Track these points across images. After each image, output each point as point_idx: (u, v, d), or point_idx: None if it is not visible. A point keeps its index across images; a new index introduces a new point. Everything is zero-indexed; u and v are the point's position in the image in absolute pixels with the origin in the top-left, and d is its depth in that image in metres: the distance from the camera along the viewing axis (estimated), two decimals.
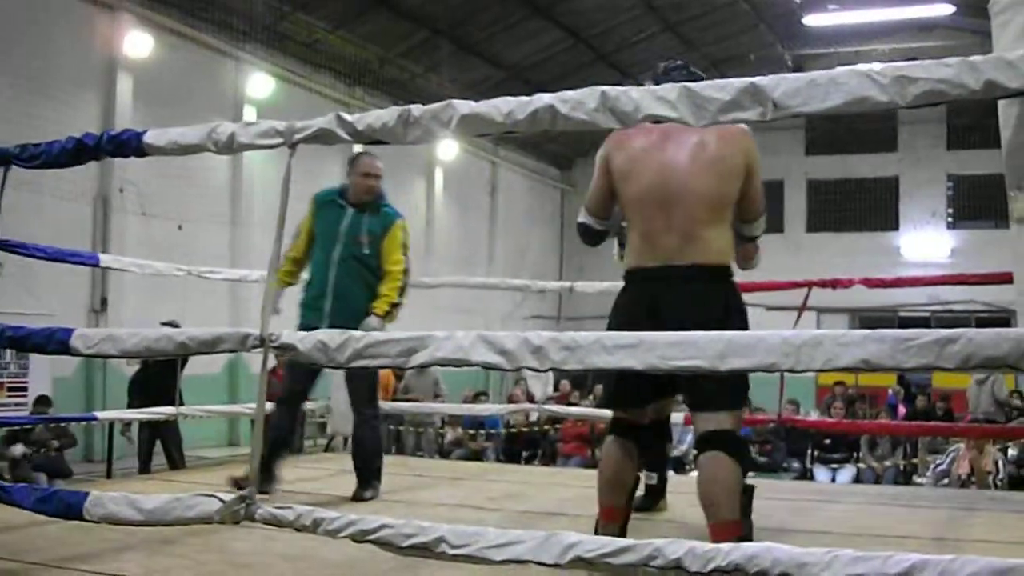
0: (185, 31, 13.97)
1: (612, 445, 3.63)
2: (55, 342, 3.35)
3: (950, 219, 22.33)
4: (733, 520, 3.26)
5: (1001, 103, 2.52)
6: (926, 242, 21.77)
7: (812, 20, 17.72)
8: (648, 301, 3.44)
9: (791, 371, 2.47)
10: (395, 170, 18.21)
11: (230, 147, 3.15)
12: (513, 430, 12.97)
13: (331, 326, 4.83)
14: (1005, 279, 4.75)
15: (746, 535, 3.50)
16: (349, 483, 5.56)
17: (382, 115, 2.90)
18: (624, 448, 3.60)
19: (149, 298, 12.62)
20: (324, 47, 16.04)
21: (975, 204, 20.99)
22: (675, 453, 12.59)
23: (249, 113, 14.66)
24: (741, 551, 2.38)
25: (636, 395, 3.56)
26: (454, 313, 15.59)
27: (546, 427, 12.86)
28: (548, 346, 2.63)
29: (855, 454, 12.19)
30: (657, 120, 2.64)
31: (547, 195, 23.97)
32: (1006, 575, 2.18)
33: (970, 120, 18.99)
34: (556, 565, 2.48)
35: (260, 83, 15.06)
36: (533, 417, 13.04)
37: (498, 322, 18.46)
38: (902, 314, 20.78)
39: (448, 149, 19.01)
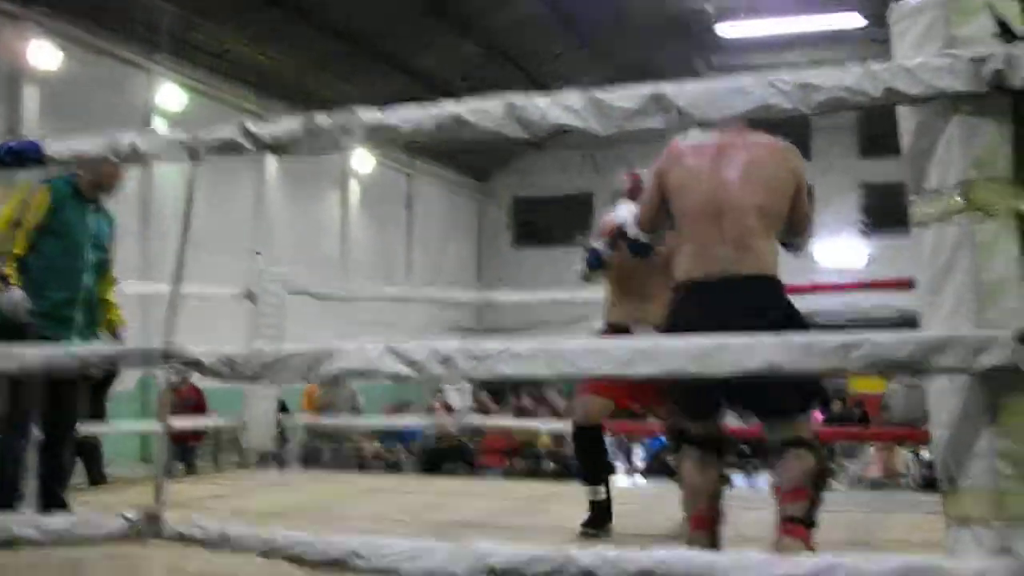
0: (93, 42, 13.70)
1: (689, 456, 3.69)
2: None
3: (865, 227, 22.68)
4: None
5: (902, 110, 2.56)
6: (842, 250, 22.09)
7: (725, 30, 17.92)
8: (706, 312, 3.50)
9: (699, 375, 2.48)
10: (309, 182, 18.17)
11: (132, 157, 3.09)
12: (433, 443, 12.89)
13: (83, 339, 4.62)
14: (910, 285, 4.85)
15: None
16: (268, 497, 5.49)
17: (287, 125, 2.87)
18: (702, 456, 3.67)
19: None
20: (236, 57, 15.81)
21: (889, 212, 21.29)
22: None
23: (159, 125, 14.44)
24: (652, 557, 2.39)
25: (707, 404, 3.64)
26: (373, 327, 15.47)
27: (465, 439, 12.81)
28: (456, 356, 2.61)
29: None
30: (562, 130, 2.65)
31: (464, 206, 23.93)
32: (916, 574, 2.22)
33: (883, 128, 19.24)
34: None
35: (171, 94, 14.82)
36: (454, 429, 13.02)
37: (417, 334, 18.38)
38: (819, 321, 20.99)
39: (363, 160, 18.88)
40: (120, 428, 8.34)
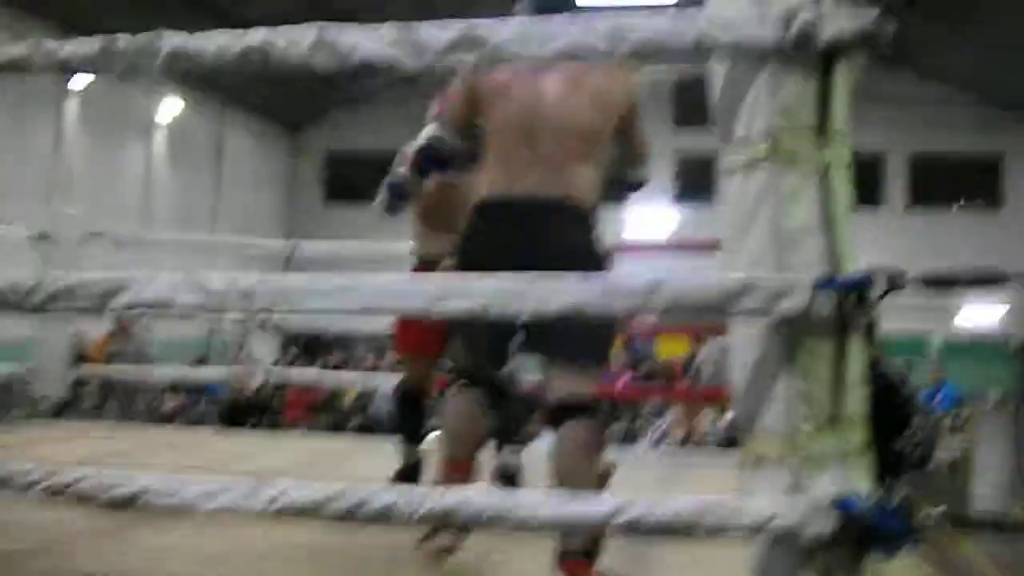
0: None
1: (458, 396, 3.35)
2: None
3: (676, 196, 23.26)
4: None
5: (713, 61, 2.59)
6: (653, 218, 22.56)
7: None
8: (505, 235, 3.19)
9: (501, 316, 2.46)
10: (113, 128, 17.46)
11: None
12: (236, 397, 12.66)
13: None
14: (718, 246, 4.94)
15: None
16: (62, 449, 5.26)
17: (85, 43, 2.71)
18: (471, 398, 3.33)
19: None
20: None
21: (701, 182, 21.82)
22: None
23: None
24: (455, 496, 2.37)
25: (489, 345, 3.31)
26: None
27: (270, 393, 12.63)
28: (258, 289, 2.52)
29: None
30: (373, 63, 2.58)
31: (276, 159, 23.47)
32: (709, 512, 2.27)
33: (697, 99, 19.64)
34: (265, 512, 2.39)
35: None
36: (257, 383, 12.79)
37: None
38: None
39: (171, 107, 18.30)
40: None
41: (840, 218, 2.43)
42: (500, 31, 2.53)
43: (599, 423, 3.17)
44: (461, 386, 3.36)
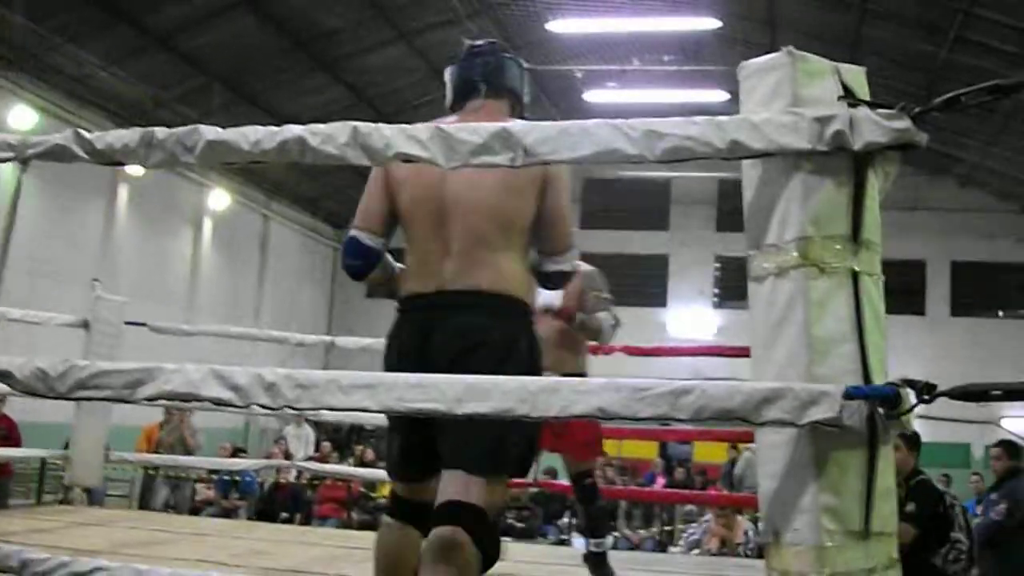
0: None
1: (387, 528, 3.08)
2: None
3: (716, 298, 23.16)
4: None
5: (744, 164, 2.58)
6: (693, 319, 22.47)
7: (591, 97, 18.31)
8: (418, 335, 2.96)
9: (527, 417, 2.43)
10: (161, 217, 17.71)
11: None
12: (269, 489, 12.60)
13: None
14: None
15: None
16: (87, 535, 5.24)
17: (123, 135, 2.75)
18: (401, 532, 3.02)
19: None
20: (95, 83, 15.42)
21: (741, 285, 21.60)
22: None
23: None
24: None
25: (412, 459, 3.01)
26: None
27: (303, 485, 12.56)
28: (281, 383, 2.51)
29: (612, 523, 12.39)
30: (408, 159, 2.60)
31: (319, 253, 23.65)
32: None
33: (740, 203, 19.66)
34: None
35: (22, 114, 14.33)
36: (291, 477, 12.74)
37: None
38: None
39: (219, 199, 18.57)
40: None
41: (871, 327, 2.39)
42: (531, 133, 2.54)
43: (478, 535, 2.73)
44: (391, 513, 3.10)
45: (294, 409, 2.50)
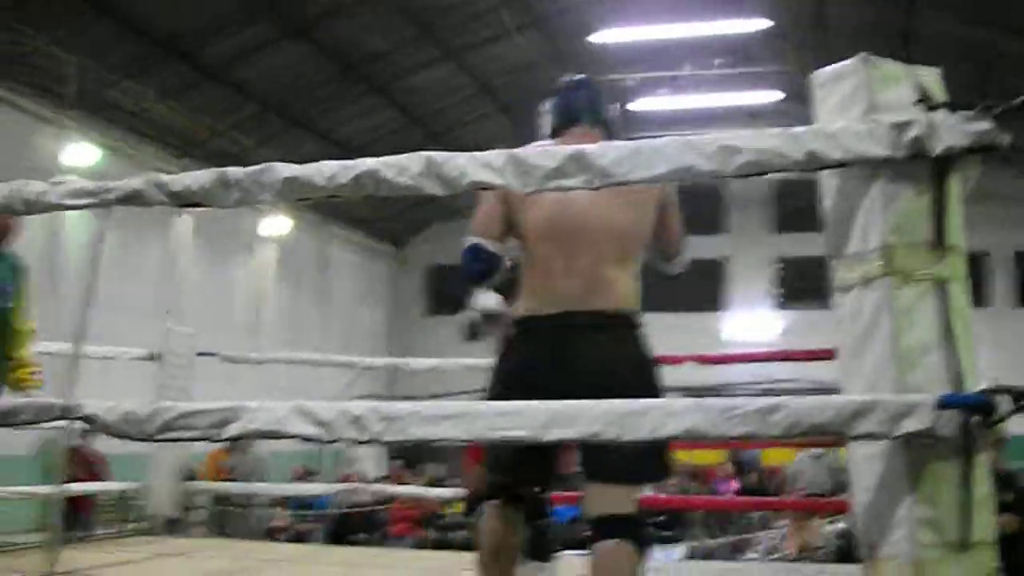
0: (1, 94, 13.44)
1: (491, 513, 3.23)
2: None
3: (779, 300, 22.90)
4: None
5: (823, 174, 2.56)
6: (755, 323, 22.22)
7: (640, 105, 18.20)
8: (546, 355, 3.04)
9: (616, 441, 2.42)
10: (222, 244, 17.89)
11: (38, 207, 2.97)
12: (343, 511, 12.65)
13: None
14: (828, 356, 4.89)
15: None
16: (174, 566, 5.29)
17: (200, 177, 2.78)
18: (505, 516, 3.21)
19: None
20: (152, 116, 15.63)
21: (804, 286, 21.43)
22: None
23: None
24: None
25: (521, 459, 3.09)
26: (285, 393, 15.12)
27: (376, 508, 12.59)
28: (367, 416, 2.52)
29: (687, 531, 12.28)
30: (483, 187, 2.60)
31: (378, 273, 23.75)
32: None
33: (799, 203, 19.54)
34: None
35: (82, 152, 14.55)
36: (364, 498, 12.77)
37: (330, 402, 18.02)
38: (731, 392, 20.99)
39: (279, 224, 18.72)
40: (15, 492, 7.96)
41: (960, 334, 2.35)
42: (607, 154, 2.53)
43: (639, 541, 2.97)
44: (495, 503, 3.24)
45: (381, 442, 2.50)
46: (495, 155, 2.57)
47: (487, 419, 2.47)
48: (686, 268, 3.49)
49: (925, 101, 2.41)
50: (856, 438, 2.28)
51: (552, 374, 2.99)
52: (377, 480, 13.45)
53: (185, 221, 16.40)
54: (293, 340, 18.88)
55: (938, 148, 2.33)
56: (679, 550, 12.15)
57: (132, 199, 2.87)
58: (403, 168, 2.61)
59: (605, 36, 15.87)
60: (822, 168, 2.47)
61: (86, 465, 11.50)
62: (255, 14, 14.37)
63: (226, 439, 2.62)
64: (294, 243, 19.58)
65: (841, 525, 10.99)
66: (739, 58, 16.79)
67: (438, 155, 2.60)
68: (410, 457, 17.81)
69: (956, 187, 2.42)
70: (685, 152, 2.50)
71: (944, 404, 2.22)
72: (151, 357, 7.52)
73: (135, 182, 2.85)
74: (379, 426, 2.51)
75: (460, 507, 12.87)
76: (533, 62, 16.89)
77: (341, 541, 12.19)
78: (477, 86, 17.78)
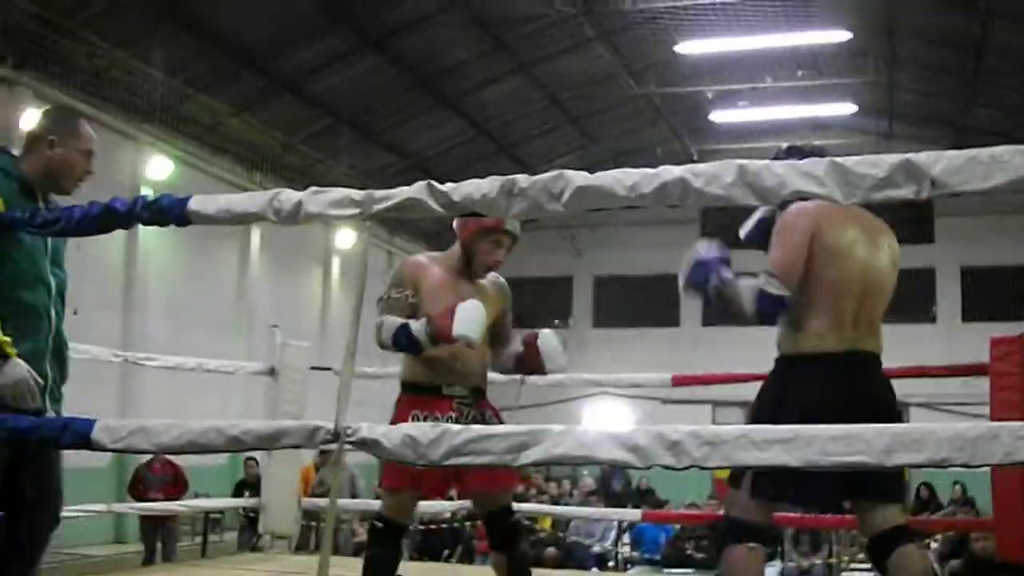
0: (83, 110, 13.43)
1: (749, 557, 3.39)
2: (72, 434, 2.93)
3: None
4: None
5: None
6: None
7: (719, 116, 18.04)
8: (844, 391, 3.36)
9: (966, 466, 2.27)
10: (292, 258, 17.86)
11: (294, 217, 2.82)
12: (431, 526, 12.50)
13: (54, 401, 3.41)
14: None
15: None
16: None
17: (482, 185, 2.63)
18: (761, 559, 3.42)
19: None
20: (226, 130, 15.63)
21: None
22: (597, 549, 12.33)
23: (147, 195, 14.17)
24: None
25: (822, 491, 3.43)
26: (361, 407, 15.00)
27: (465, 523, 12.43)
28: (687, 441, 2.37)
29: (779, 550, 12.02)
30: (804, 197, 2.45)
31: None
32: None
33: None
34: None
35: (159, 165, 14.57)
36: (450, 513, 12.60)
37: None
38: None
39: (344, 237, 18.67)
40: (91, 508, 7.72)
41: None
42: (938, 163, 2.37)
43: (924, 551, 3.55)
44: (751, 546, 3.38)
45: (701, 468, 2.35)
46: (817, 164, 2.42)
47: (822, 444, 2.31)
48: None
49: None
50: None
51: (847, 404, 3.27)
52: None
53: (257, 235, 16.40)
54: (360, 350, 18.77)
55: None
56: (772, 570, 11.90)
57: (403, 208, 2.73)
58: (714, 177, 2.46)
59: (685, 47, 15.68)
60: None
61: (163, 478, 11.46)
62: (329, 26, 14.34)
63: (524, 464, 2.47)
64: (360, 256, 19.53)
65: (935, 546, 10.69)
66: (816, 70, 16.59)
67: (752, 163, 2.45)
68: None
69: None
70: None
71: None
72: (271, 372, 7.40)
73: (408, 190, 2.71)
74: (700, 451, 2.36)
75: (547, 523, 12.74)
76: (612, 73, 16.75)
77: (429, 556, 12.05)
78: (547, 99, 17.67)
